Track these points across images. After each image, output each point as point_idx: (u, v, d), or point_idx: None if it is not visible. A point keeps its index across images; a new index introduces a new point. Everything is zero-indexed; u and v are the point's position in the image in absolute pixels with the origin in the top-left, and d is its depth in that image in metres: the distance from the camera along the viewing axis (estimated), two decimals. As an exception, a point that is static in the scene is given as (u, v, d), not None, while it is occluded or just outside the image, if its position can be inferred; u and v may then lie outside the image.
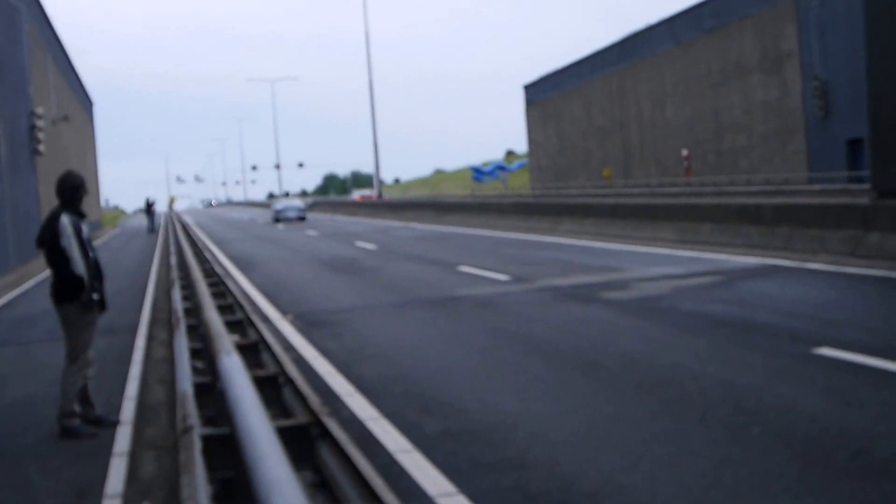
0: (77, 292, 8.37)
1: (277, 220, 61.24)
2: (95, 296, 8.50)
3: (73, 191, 8.65)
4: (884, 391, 7.65)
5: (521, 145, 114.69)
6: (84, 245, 8.44)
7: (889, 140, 18.48)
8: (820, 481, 5.72)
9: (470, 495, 5.94)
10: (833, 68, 46.90)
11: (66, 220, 8.38)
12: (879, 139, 18.92)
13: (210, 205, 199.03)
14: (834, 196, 30.93)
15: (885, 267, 15.36)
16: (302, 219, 61.18)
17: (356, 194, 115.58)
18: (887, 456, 6.07)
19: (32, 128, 36.16)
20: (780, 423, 6.97)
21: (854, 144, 44.99)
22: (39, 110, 37.31)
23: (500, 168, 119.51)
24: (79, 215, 8.62)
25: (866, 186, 23.58)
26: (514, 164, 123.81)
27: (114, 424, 8.54)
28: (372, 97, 72.63)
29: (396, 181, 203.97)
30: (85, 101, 76.06)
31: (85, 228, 8.61)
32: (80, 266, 8.31)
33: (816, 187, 42.40)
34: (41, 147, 37.06)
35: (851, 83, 42.33)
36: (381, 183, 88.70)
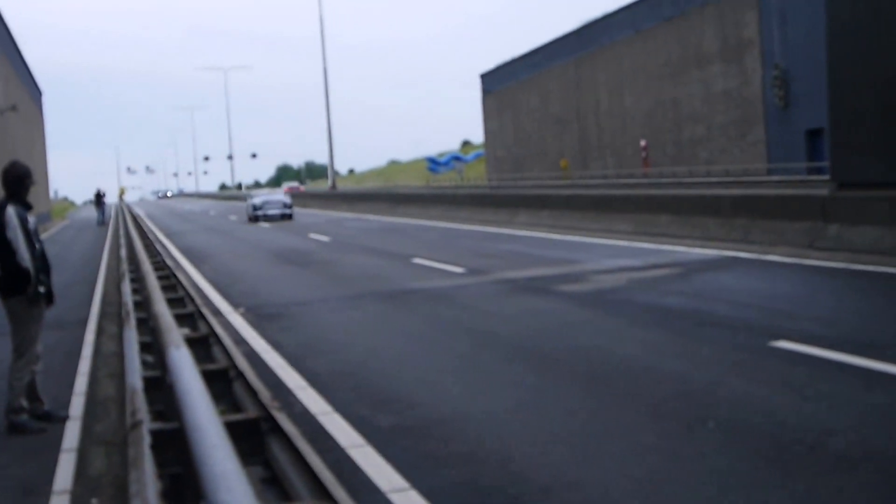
0: (23, 286, 8.31)
1: (256, 219, 46.46)
2: (42, 289, 8.44)
3: (19, 182, 8.57)
4: (840, 384, 7.76)
5: (477, 135, 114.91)
6: (30, 237, 8.37)
7: (849, 131, 18.69)
8: (774, 476, 5.79)
9: (422, 490, 5.97)
10: (793, 57, 47.26)
11: (11, 211, 8.31)
12: (839, 130, 19.13)
13: (165, 196, 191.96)
14: (793, 187, 31.22)
15: (843, 259, 15.56)
16: (288, 216, 47.18)
17: (284, 186, 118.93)
18: (842, 449, 6.16)
19: (-23, 117, 35.70)
20: (736, 417, 7.04)
21: (814, 135, 45.40)
22: (-15, 99, 36.83)
23: (456, 159, 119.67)
24: (25, 207, 8.54)
25: (826, 177, 23.83)
26: (471, 154, 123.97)
27: (63, 420, 8.49)
28: (326, 86, 72.47)
29: (351, 172, 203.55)
30: (34, 91, 75.24)
31: (31, 220, 8.55)
32: (25, 259, 8.25)
33: (776, 178, 42.79)
34: (-13, 137, 36.58)
35: (812, 72, 42.65)
36: (335, 174, 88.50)
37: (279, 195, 54.49)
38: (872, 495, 5.38)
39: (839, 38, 18.77)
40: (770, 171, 47.82)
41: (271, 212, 47.12)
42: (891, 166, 17.31)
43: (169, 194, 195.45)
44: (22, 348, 8.43)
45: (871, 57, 17.86)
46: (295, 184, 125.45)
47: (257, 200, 49.11)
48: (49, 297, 8.67)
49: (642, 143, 62.46)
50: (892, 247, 15.55)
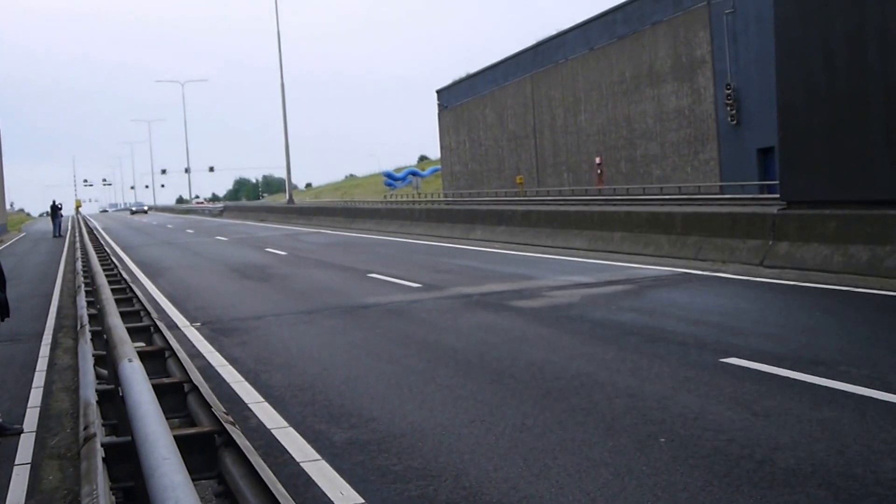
0: None
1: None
2: None
3: None
4: (788, 400, 7.82)
5: (434, 150, 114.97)
6: None
7: (797, 149, 18.85)
8: (724, 491, 5.83)
9: (376, 505, 5.98)
10: (745, 75, 47.79)
11: None
12: (788, 148, 19.29)
13: (143, 211, 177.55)
14: (745, 205, 31.50)
15: (793, 276, 15.72)
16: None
17: (195, 201, 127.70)
18: (791, 465, 6.21)
19: (-71, 126, 35.26)
20: (687, 433, 7.08)
21: (765, 153, 45.89)
22: (-64, 108, 36.38)
23: (413, 174, 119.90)
24: None
25: (777, 196, 24.05)
26: (427, 170, 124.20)
27: (18, 433, 8.42)
28: (283, 100, 72.16)
29: (308, 186, 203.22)
30: (-14, 101, 74.31)
31: None
32: None
33: (728, 196, 43.17)
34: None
35: (762, 91, 43.17)
36: (293, 187, 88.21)
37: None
38: (820, 510, 5.43)
39: (787, 58, 18.96)
40: (722, 189, 48.24)
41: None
42: (839, 185, 17.50)
43: (146, 208, 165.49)
44: None
45: (819, 76, 18.05)
46: (202, 198, 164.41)
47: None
48: (4, 310, 8.60)
49: (597, 159, 62.83)
50: (840, 264, 15.73)
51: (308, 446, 7.40)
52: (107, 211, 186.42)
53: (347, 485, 6.40)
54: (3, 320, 8.69)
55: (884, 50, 16.56)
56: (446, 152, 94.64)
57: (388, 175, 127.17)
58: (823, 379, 8.40)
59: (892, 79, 16.45)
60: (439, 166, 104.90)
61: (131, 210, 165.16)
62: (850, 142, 17.35)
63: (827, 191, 17.80)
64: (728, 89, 49.09)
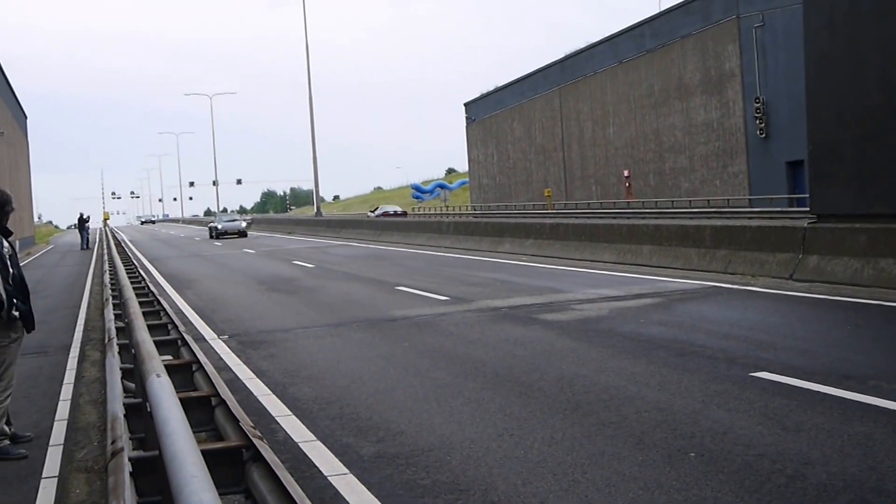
0: None
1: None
2: (16, 313, 8.37)
3: None
4: (819, 415, 7.76)
5: (462, 163, 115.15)
6: (5, 261, 8.35)
7: (827, 162, 18.79)
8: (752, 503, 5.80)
9: (404, 520, 5.97)
10: (774, 89, 47.66)
11: None
12: (818, 162, 19.23)
13: (151, 221, 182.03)
14: (774, 218, 31.37)
15: (823, 290, 15.63)
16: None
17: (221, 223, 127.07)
18: (822, 481, 6.16)
19: (-38, 141, 35.60)
20: (717, 448, 7.04)
21: (794, 166, 45.73)
22: (-30, 123, 36.72)
23: (441, 187, 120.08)
24: (3, 232, 8.52)
25: (806, 209, 23.94)
26: (455, 182, 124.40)
27: (27, 440, 8.47)
28: (311, 114, 72.32)
29: (336, 198, 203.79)
30: (18, 115, 75.04)
31: (6, 246, 8.49)
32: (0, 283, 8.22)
33: (757, 209, 42.99)
34: (-29, 161, 36.45)
35: (791, 104, 43.07)
36: (320, 200, 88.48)
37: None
38: (852, 527, 5.38)
39: (817, 72, 18.91)
40: (752, 203, 48.06)
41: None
42: (868, 198, 17.40)
43: (153, 219, 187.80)
44: (2, 373, 8.36)
45: (848, 90, 17.99)
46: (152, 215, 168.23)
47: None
48: (28, 322, 8.62)
49: (626, 172, 62.71)
50: (870, 278, 15.63)
51: (336, 460, 7.40)
52: (151, 221, 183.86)
53: (375, 499, 6.38)
54: (28, 332, 8.73)
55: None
56: (474, 165, 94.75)
57: (416, 188, 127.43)
58: (854, 394, 8.34)
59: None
60: (467, 179, 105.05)
61: (141, 221, 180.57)
62: (880, 155, 17.27)
63: (857, 204, 17.71)
64: (757, 102, 48.94)
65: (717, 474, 6.44)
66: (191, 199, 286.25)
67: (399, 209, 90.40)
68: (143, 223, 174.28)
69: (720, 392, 8.80)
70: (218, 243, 53.84)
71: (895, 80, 16.91)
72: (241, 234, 63.60)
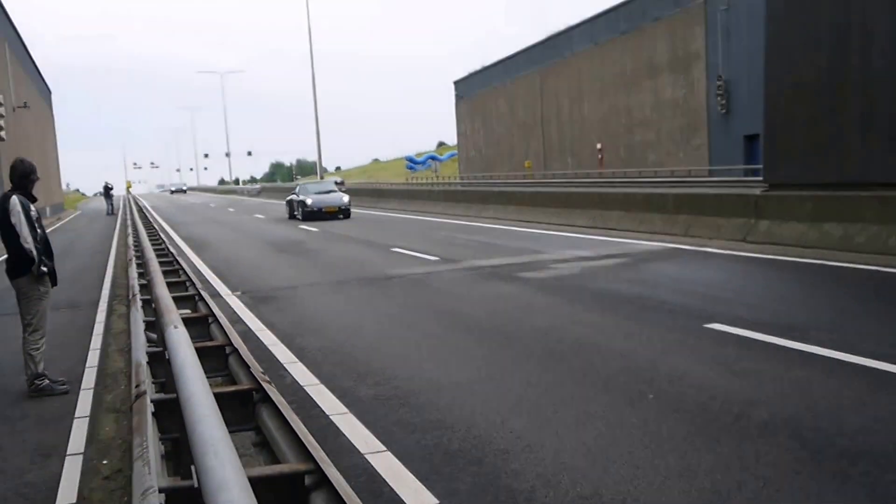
0: (28, 266, 8.42)
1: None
2: (44, 269, 8.53)
3: (24, 177, 8.70)
4: (764, 362, 7.87)
5: (452, 136, 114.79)
6: (33, 223, 8.48)
7: (780, 137, 18.84)
8: (704, 442, 5.91)
9: (396, 453, 6.06)
10: (735, 68, 47.52)
11: (15, 200, 8.46)
12: (772, 136, 19.28)
13: (182, 191, 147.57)
14: (731, 187, 31.40)
15: (773, 252, 15.72)
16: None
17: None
18: (765, 419, 6.27)
19: (-7, 115, 35.33)
20: (673, 391, 7.15)
21: (751, 140, 45.68)
22: (-1, 98, 36.44)
23: (433, 158, 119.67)
24: (29, 198, 8.64)
25: (760, 178, 23.99)
26: (445, 154, 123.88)
27: (64, 393, 8.55)
28: (315, 92, 72.13)
29: (337, 169, 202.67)
30: (43, 90, 74.45)
31: (34, 209, 8.64)
32: (29, 241, 8.38)
33: (715, 179, 43.00)
34: (2, 133, 36.19)
35: (751, 83, 42.97)
36: (323, 170, 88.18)
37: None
38: (788, 458, 5.49)
39: (775, 52, 18.89)
40: (711, 173, 48.06)
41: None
42: (816, 169, 17.48)
43: (185, 188, 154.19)
44: (32, 324, 8.52)
45: (802, 71, 18.01)
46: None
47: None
48: (53, 277, 8.77)
49: (598, 146, 62.62)
50: (815, 240, 15.73)
51: (337, 401, 7.49)
52: (182, 190, 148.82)
53: (372, 435, 6.48)
54: (53, 286, 8.86)
55: (864, 47, 16.48)
56: (462, 139, 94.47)
57: (410, 160, 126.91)
58: (796, 343, 8.44)
59: (869, 74, 16.37)
60: (456, 151, 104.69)
61: (171, 190, 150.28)
62: (829, 130, 17.32)
63: (805, 174, 17.79)
64: (719, 81, 48.83)
65: (673, 413, 6.56)
66: (206, 169, 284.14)
67: (338, 179, 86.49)
68: (172, 192, 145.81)
69: (677, 341, 8.91)
70: (231, 209, 53.41)
71: (847, 61, 16.92)
72: (344, 213, 35.73)
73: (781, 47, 18.66)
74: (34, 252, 8.38)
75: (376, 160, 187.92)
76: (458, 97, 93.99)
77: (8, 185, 8.78)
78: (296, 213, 37.56)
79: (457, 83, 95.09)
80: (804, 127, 18.01)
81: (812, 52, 17.70)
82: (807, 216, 16.34)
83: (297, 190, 39.37)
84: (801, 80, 18.01)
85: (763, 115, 19.58)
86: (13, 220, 8.35)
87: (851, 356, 7.82)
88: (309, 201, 36.15)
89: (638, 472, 5.44)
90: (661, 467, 5.49)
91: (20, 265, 8.46)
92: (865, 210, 15.25)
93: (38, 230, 8.59)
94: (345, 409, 7.22)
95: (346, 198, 36.74)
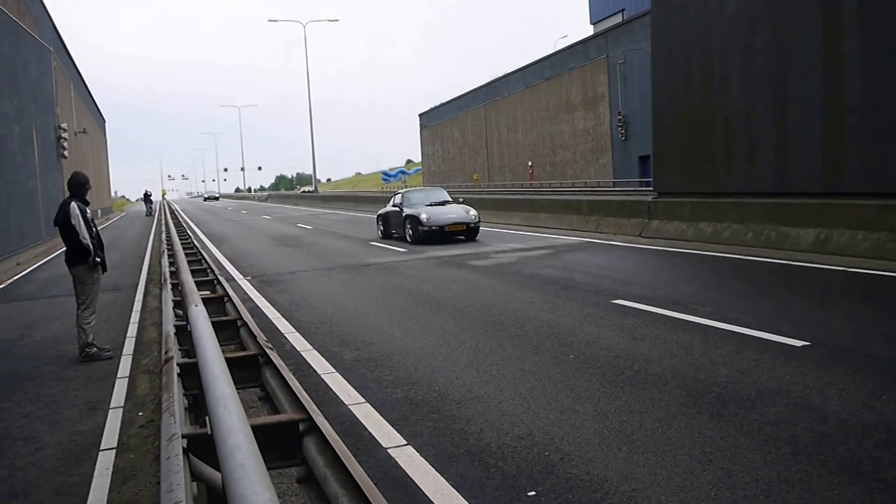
0: (84, 257, 8.26)
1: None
2: (98, 259, 8.37)
3: (79, 186, 8.57)
4: (657, 329, 7.86)
5: (418, 155, 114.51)
6: (88, 223, 8.33)
7: (665, 157, 18.90)
8: (613, 390, 5.87)
9: (373, 403, 5.96)
10: (631, 105, 47.84)
11: (74, 205, 8.32)
12: (659, 156, 19.35)
13: (214, 198, 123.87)
14: (629, 195, 31.53)
15: (662, 244, 15.80)
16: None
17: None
18: (658, 373, 6.25)
19: (59, 138, 34.66)
20: (588, 352, 7.12)
21: (644, 159, 45.97)
22: (64, 125, 35.74)
23: (402, 172, 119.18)
24: (84, 203, 8.48)
25: (650, 189, 24.12)
26: (412, 169, 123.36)
27: (108, 359, 8.35)
28: (311, 124, 71.34)
29: (328, 180, 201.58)
30: (99, 119, 73.17)
31: (89, 212, 8.50)
32: (85, 237, 8.22)
33: (618, 189, 43.22)
34: (65, 153, 35.59)
35: (643, 117, 43.19)
36: (317, 181, 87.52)
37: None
38: (677, 402, 5.46)
39: (659, 94, 18.96)
40: (615, 184, 48.33)
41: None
42: (693, 182, 17.57)
43: (217, 196, 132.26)
44: (86, 303, 8.34)
45: (680, 108, 18.09)
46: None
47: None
48: (104, 266, 8.60)
49: (529, 163, 62.71)
50: (692, 235, 15.82)
51: (326, 363, 7.38)
52: (214, 198, 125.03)
53: (354, 390, 6.38)
54: (103, 273, 8.67)
55: (723, 91, 16.60)
56: (425, 158, 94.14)
57: (385, 173, 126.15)
58: (680, 314, 8.46)
59: (728, 112, 16.48)
60: (421, 167, 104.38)
61: (204, 197, 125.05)
62: (701, 153, 17.40)
63: (685, 185, 17.87)
64: (619, 115, 49.05)
65: (588, 369, 6.51)
66: (225, 180, 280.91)
67: (311, 188, 77.69)
68: (206, 199, 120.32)
69: (591, 314, 8.88)
70: (244, 211, 52.87)
71: (713, 101, 17.01)
72: (471, 232, 19.62)
73: (664, 93, 18.74)
74: (90, 246, 8.24)
75: (358, 173, 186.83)
76: (423, 126, 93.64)
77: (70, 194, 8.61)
78: (399, 232, 21.06)
79: (421, 115, 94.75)
80: (683, 150, 18.10)
81: (686, 95, 17.79)
82: (686, 217, 16.42)
83: (398, 201, 21.70)
84: (679, 115, 18.10)
85: (652, 141, 19.65)
86: (73, 221, 8.21)
87: (722, 323, 7.84)
88: (425, 217, 19.60)
89: (562, 416, 5.37)
90: (580, 412, 5.43)
91: (78, 256, 8.32)
92: (729, 213, 15.36)
93: (93, 228, 8.43)
94: (332, 370, 7.11)
95: (472, 211, 20.20)
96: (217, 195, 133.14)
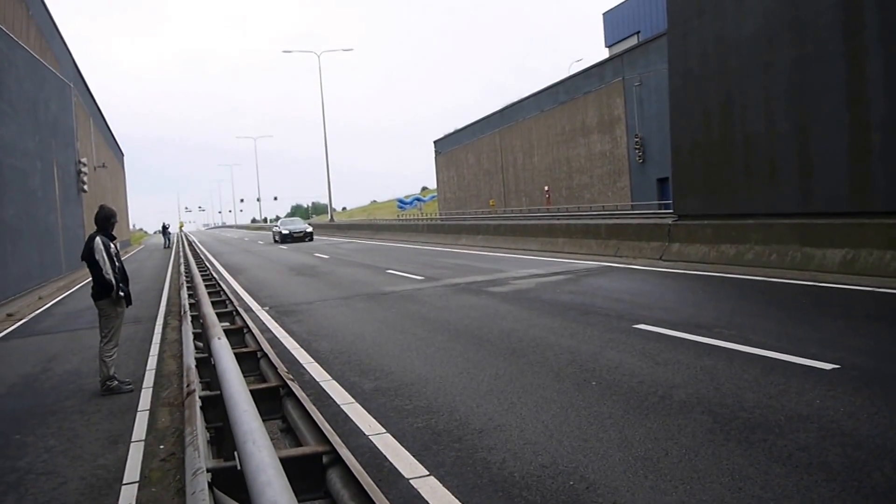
0: (108, 291, 8.33)
1: None
2: (122, 293, 8.45)
3: (105, 220, 8.66)
4: (680, 353, 7.81)
5: (433, 182, 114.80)
6: (112, 258, 8.43)
7: (684, 180, 18.88)
8: (637, 417, 5.83)
9: (393, 433, 5.95)
10: (648, 128, 47.83)
11: (98, 240, 8.41)
12: (678, 179, 19.32)
13: (300, 234, 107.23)
14: (648, 218, 31.45)
15: (683, 267, 15.72)
16: None
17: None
18: (682, 398, 6.20)
19: (79, 173, 35.16)
20: (611, 378, 7.08)
21: (662, 182, 45.89)
22: (84, 160, 36.26)
23: (418, 199, 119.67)
24: (109, 237, 8.57)
25: (670, 212, 24.06)
26: (428, 196, 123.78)
27: (129, 392, 8.40)
28: (326, 149, 71.86)
29: (344, 209, 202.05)
30: (118, 153, 74.05)
31: (113, 246, 8.56)
32: (109, 273, 8.31)
33: (636, 212, 43.13)
34: (86, 187, 36.07)
35: (660, 139, 43.24)
36: (333, 210, 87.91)
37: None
38: (703, 429, 5.42)
39: (678, 117, 18.99)
40: (633, 207, 48.23)
41: None
42: (713, 203, 17.53)
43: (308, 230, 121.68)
44: (109, 336, 8.40)
45: (699, 130, 18.09)
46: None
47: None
48: (128, 299, 8.67)
49: (546, 188, 62.75)
50: (714, 258, 15.74)
51: (345, 393, 7.37)
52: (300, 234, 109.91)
53: (374, 419, 6.37)
54: (128, 306, 8.73)
55: (742, 114, 16.61)
56: (441, 184, 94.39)
57: (400, 201, 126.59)
58: (704, 338, 8.40)
59: (748, 132, 16.47)
60: (436, 194, 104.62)
61: (281, 234, 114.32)
62: (721, 174, 17.38)
63: (704, 208, 17.83)
64: (636, 138, 49.05)
65: (611, 396, 6.48)
66: (241, 210, 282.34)
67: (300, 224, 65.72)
68: (284, 238, 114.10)
69: (612, 339, 8.84)
70: (261, 241, 53.15)
71: (731, 122, 17.01)
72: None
73: (681, 114, 18.77)
74: (112, 281, 8.33)
75: (374, 201, 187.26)
76: (437, 152, 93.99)
77: (90, 226, 8.74)
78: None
79: (436, 142, 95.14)
80: (702, 173, 18.07)
81: (704, 117, 17.81)
82: (708, 239, 16.36)
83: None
84: (698, 138, 18.11)
85: (671, 164, 19.63)
86: (96, 256, 8.35)
87: (747, 347, 7.78)
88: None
89: (586, 444, 5.34)
90: (605, 439, 5.39)
91: (103, 290, 8.43)
92: (751, 234, 15.28)
93: (117, 262, 8.55)
94: (352, 400, 7.10)
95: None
96: (306, 229, 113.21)
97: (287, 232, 46.88)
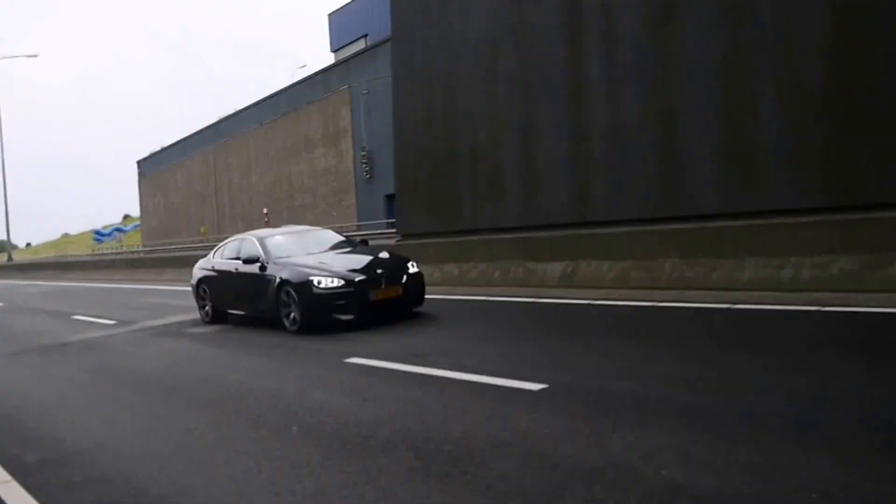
0: None
1: None
2: None
3: None
4: (390, 386, 8.00)
5: (136, 209, 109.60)
6: None
7: (408, 196, 19.55)
8: (337, 462, 5.88)
9: (53, 513, 5.58)
10: (377, 140, 48.89)
11: None
12: (401, 195, 19.98)
13: None
14: (374, 238, 32.19)
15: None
16: None
17: None
18: (387, 436, 6.33)
19: None
20: (314, 420, 7.09)
21: (390, 199, 47.08)
22: None
23: (118, 230, 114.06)
24: None
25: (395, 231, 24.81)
26: (130, 225, 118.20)
27: None
28: (4, 176, 65.98)
29: (28, 245, 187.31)
30: None
31: None
32: None
33: (363, 232, 43.99)
34: None
35: (389, 152, 44.20)
36: (13, 247, 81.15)
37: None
38: (404, 468, 5.57)
39: (401, 128, 19.63)
40: (359, 227, 49.12)
41: None
42: (438, 220, 18.29)
43: None
44: None
45: (422, 144, 18.82)
46: None
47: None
48: None
49: (264, 210, 62.23)
50: (439, 279, 16.39)
51: (1, 469, 6.79)
52: None
53: (33, 498, 5.92)
54: None
55: (468, 121, 17.47)
56: (145, 212, 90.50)
57: (97, 232, 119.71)
58: (418, 367, 8.65)
59: (473, 142, 17.36)
60: (139, 223, 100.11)
61: None
62: (446, 188, 18.17)
63: (430, 225, 18.55)
64: (363, 151, 50.02)
65: (312, 441, 6.50)
66: None
67: None
68: None
69: (320, 377, 8.91)
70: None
71: (455, 133, 17.83)
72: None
73: (404, 125, 19.43)
74: None
75: (66, 234, 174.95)
76: (141, 174, 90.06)
77: None
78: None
79: (139, 162, 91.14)
80: (427, 187, 18.80)
81: (428, 128, 18.56)
82: (432, 259, 17.00)
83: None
84: (422, 150, 18.82)
85: (394, 179, 20.23)
86: None
87: (460, 374, 8.11)
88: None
89: (278, 498, 5.31)
90: (298, 491, 5.39)
91: None
92: (476, 251, 16.14)
93: None
94: (9, 478, 6.54)
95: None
96: None
97: None
